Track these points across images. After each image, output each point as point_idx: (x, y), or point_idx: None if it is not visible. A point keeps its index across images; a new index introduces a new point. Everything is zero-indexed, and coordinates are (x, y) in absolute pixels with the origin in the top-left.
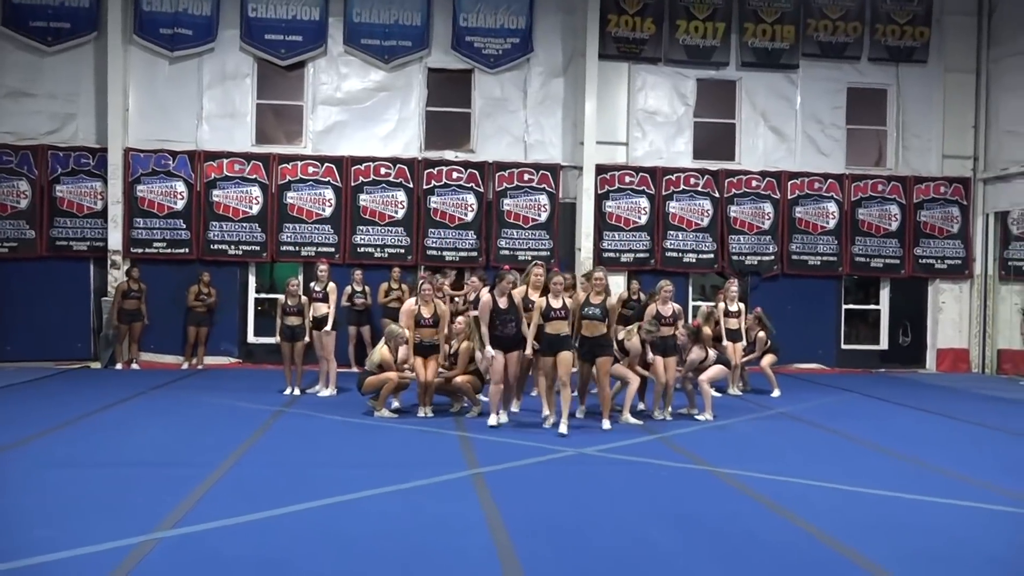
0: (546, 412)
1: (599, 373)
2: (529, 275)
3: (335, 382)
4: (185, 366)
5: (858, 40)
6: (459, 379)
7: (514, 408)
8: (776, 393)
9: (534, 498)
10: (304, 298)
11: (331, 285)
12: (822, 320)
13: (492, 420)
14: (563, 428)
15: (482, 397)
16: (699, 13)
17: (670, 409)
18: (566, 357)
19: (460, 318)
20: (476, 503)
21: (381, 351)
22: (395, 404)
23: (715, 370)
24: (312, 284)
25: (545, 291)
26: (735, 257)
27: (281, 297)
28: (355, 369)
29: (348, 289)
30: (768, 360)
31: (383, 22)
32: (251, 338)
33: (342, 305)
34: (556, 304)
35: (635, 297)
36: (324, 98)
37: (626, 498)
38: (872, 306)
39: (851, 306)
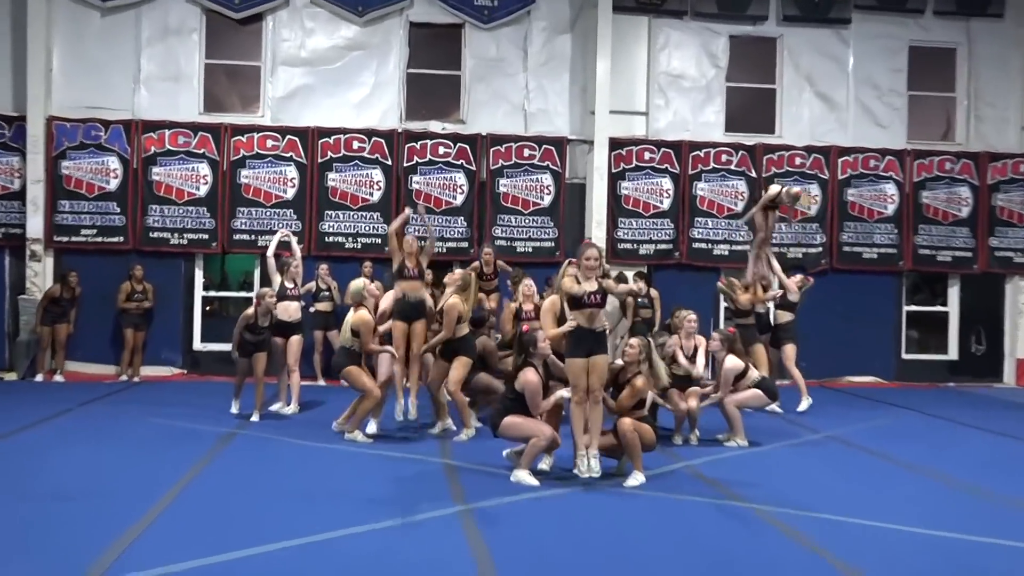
0: (583, 451)
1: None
2: (582, 257)
3: (298, 398)
4: (123, 377)
5: None
6: (458, 389)
7: (544, 465)
8: (805, 405)
9: (533, 540)
10: (275, 313)
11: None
12: (879, 325)
13: (525, 477)
14: (594, 464)
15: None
16: None
17: (697, 432)
18: (601, 363)
19: (457, 270)
20: (464, 546)
21: (356, 316)
22: (372, 427)
23: (749, 395)
24: (283, 280)
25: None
26: (774, 249)
27: (249, 310)
28: (321, 382)
29: (312, 286)
30: (790, 352)
31: None
32: (197, 344)
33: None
34: (590, 287)
35: (643, 296)
36: (285, 58)
37: (645, 540)
38: (939, 308)
39: (914, 308)
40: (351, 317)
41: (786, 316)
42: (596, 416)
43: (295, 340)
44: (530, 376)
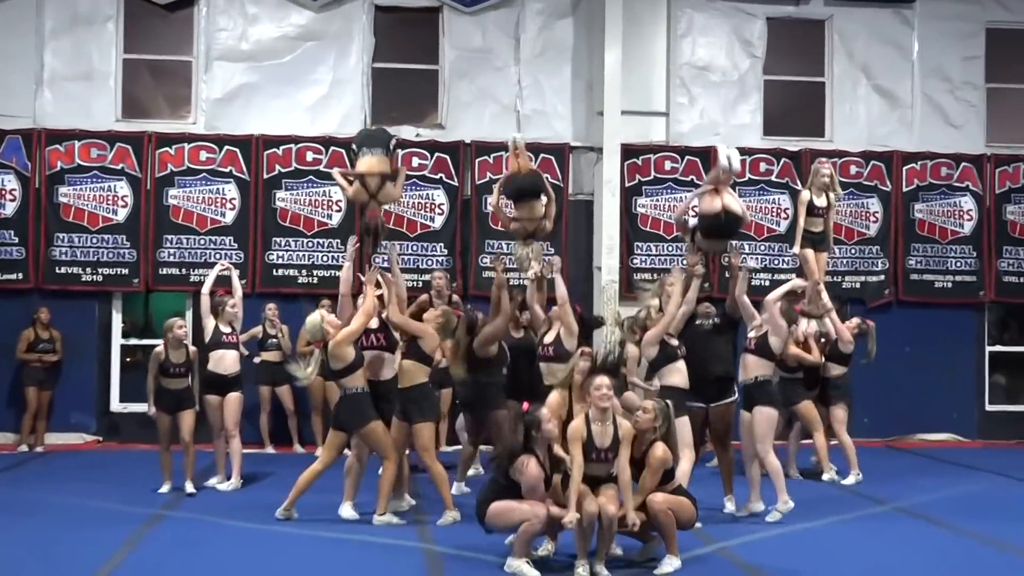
0: (584, 560)
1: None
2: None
3: (240, 469)
4: (24, 447)
5: None
6: (433, 458)
7: (545, 551)
8: (854, 478)
9: None
10: (194, 350)
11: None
12: (957, 369)
13: (522, 568)
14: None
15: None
16: None
17: (732, 500)
18: (613, 491)
19: (440, 307)
20: None
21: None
22: (349, 509)
23: (763, 426)
24: (217, 324)
25: None
26: (827, 278)
27: (158, 346)
28: (270, 450)
29: (257, 331)
30: (840, 416)
31: None
32: (115, 405)
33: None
34: (602, 440)
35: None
36: (223, 51)
37: None
38: None
39: (999, 348)
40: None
41: (837, 369)
42: (607, 533)
43: (233, 398)
44: (531, 468)
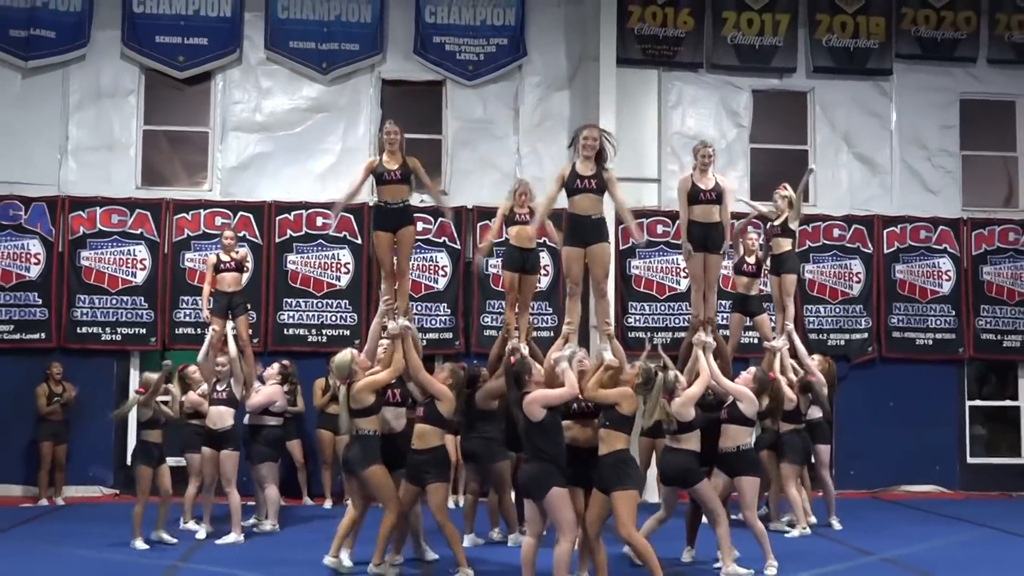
0: None
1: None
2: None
3: (239, 522)
4: (43, 501)
5: (973, 36)
6: (445, 517)
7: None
8: (798, 531)
9: None
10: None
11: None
12: (938, 423)
13: None
14: None
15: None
16: (754, 2)
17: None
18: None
19: (447, 364)
20: None
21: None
22: (346, 559)
23: (750, 486)
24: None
25: None
26: (812, 336)
27: (133, 392)
28: (280, 501)
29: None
30: (787, 472)
31: (320, 18)
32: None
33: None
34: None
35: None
36: (238, 122)
37: None
38: (1009, 402)
39: (979, 402)
40: (345, 394)
41: (787, 427)
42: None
43: (227, 454)
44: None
